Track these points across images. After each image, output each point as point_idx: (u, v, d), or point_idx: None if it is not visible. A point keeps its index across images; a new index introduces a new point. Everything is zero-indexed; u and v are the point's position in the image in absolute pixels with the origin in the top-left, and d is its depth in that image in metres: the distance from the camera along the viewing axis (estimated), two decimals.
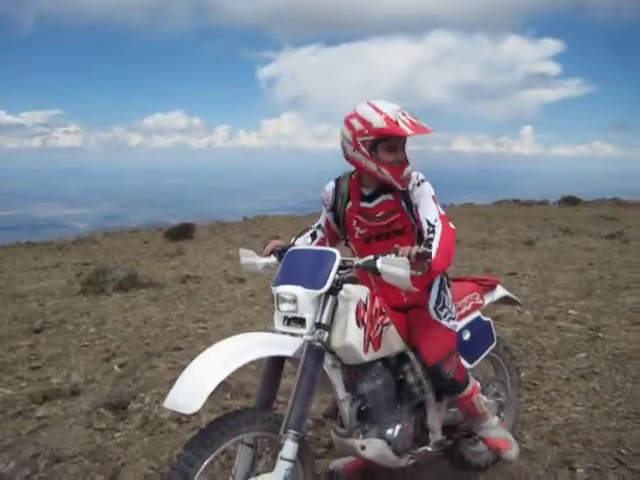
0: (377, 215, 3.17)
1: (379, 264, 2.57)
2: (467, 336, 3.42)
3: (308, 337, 2.58)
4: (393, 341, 2.99)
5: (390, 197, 3.14)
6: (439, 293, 3.25)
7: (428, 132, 3.01)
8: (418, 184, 3.09)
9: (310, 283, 2.64)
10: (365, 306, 2.81)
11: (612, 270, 9.52)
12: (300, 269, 2.75)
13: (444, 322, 3.18)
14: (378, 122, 2.99)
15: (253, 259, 3.16)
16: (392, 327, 2.97)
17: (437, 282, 3.26)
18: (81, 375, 5.13)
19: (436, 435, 3.19)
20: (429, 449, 3.15)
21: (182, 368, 5.14)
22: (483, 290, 3.68)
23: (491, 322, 3.65)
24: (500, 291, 3.84)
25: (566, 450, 3.91)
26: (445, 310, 3.21)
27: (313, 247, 2.92)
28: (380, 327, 2.88)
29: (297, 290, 2.63)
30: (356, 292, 2.82)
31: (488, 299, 3.71)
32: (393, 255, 2.60)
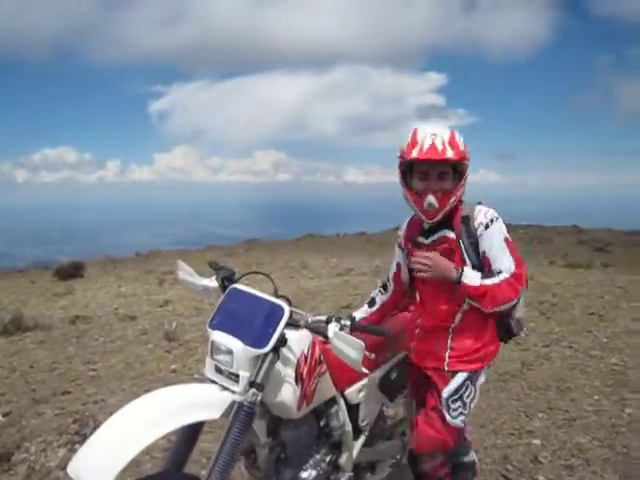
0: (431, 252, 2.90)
1: (331, 333, 2.38)
2: (394, 375, 3.35)
3: (239, 398, 2.32)
4: (326, 390, 2.82)
5: (450, 234, 2.90)
6: (462, 383, 3.00)
7: (434, 159, 2.74)
8: (486, 225, 2.83)
9: (251, 339, 2.36)
10: (306, 358, 2.60)
11: None
12: (242, 318, 2.46)
13: (449, 418, 2.98)
14: (404, 144, 2.84)
15: (192, 278, 2.85)
16: (327, 375, 2.78)
17: (465, 373, 3.00)
18: None
19: (346, 474, 3.08)
20: None
21: (70, 413, 5.01)
22: None
23: None
24: None
25: None
26: (458, 404, 2.99)
27: (259, 294, 2.54)
28: (316, 379, 2.68)
29: (235, 344, 2.35)
30: (299, 344, 2.57)
31: None
32: (346, 330, 2.42)
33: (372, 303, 3.38)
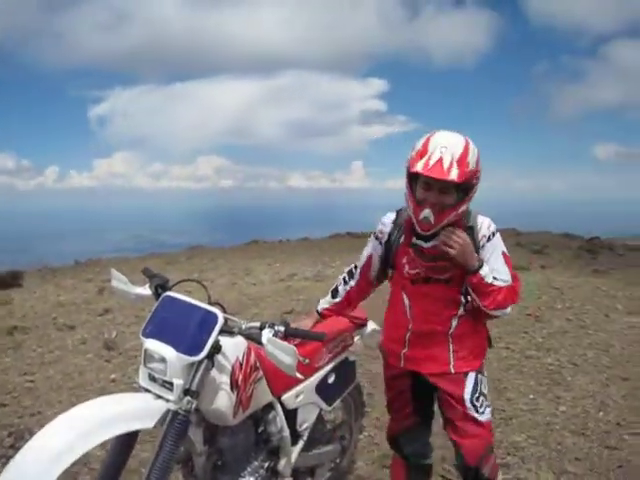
0: (432, 255, 2.90)
1: (264, 339, 2.36)
2: (332, 379, 3.38)
3: (173, 406, 2.30)
4: (262, 396, 2.83)
5: None
6: (476, 379, 3.04)
7: (435, 178, 2.64)
8: (489, 238, 2.88)
9: (184, 347, 2.34)
10: (241, 365, 2.59)
11: None
12: (175, 325, 2.44)
13: (480, 416, 2.99)
14: (413, 151, 2.77)
15: (126, 287, 2.83)
16: (263, 381, 2.79)
17: (474, 372, 3.05)
18: None
19: None
20: None
21: (5, 427, 4.91)
22: (354, 328, 3.62)
23: (356, 361, 3.65)
24: (370, 326, 3.80)
25: None
26: (481, 399, 3.02)
27: (192, 301, 2.53)
28: (252, 385, 2.68)
29: (168, 352, 2.33)
30: (233, 351, 2.57)
31: (357, 336, 3.68)
32: (280, 336, 2.41)
33: (335, 293, 3.40)
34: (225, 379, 2.52)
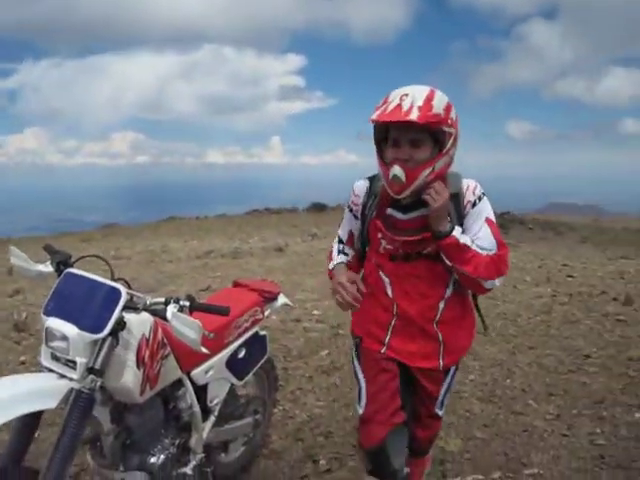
0: (408, 229, 2.57)
1: (169, 314, 2.29)
2: (242, 354, 3.35)
3: (77, 385, 2.23)
4: (171, 372, 2.76)
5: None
6: (453, 376, 2.87)
7: (392, 120, 2.36)
8: (474, 203, 2.54)
9: (86, 324, 2.26)
10: (147, 341, 2.51)
11: None
12: (77, 302, 2.34)
13: (440, 412, 2.96)
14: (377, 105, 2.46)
15: (26, 264, 2.63)
16: (171, 357, 2.72)
17: (454, 366, 2.84)
18: None
19: (197, 456, 3.05)
20: (189, 472, 2.96)
21: None
22: (264, 302, 3.58)
23: (266, 336, 3.62)
24: (281, 300, 3.77)
25: (310, 444, 4.16)
26: (447, 396, 2.93)
27: (95, 277, 2.41)
28: (160, 362, 2.61)
29: (70, 330, 2.24)
30: (139, 327, 2.48)
31: (268, 311, 3.65)
32: (186, 311, 2.35)
33: (344, 254, 2.96)
34: (131, 356, 2.45)
